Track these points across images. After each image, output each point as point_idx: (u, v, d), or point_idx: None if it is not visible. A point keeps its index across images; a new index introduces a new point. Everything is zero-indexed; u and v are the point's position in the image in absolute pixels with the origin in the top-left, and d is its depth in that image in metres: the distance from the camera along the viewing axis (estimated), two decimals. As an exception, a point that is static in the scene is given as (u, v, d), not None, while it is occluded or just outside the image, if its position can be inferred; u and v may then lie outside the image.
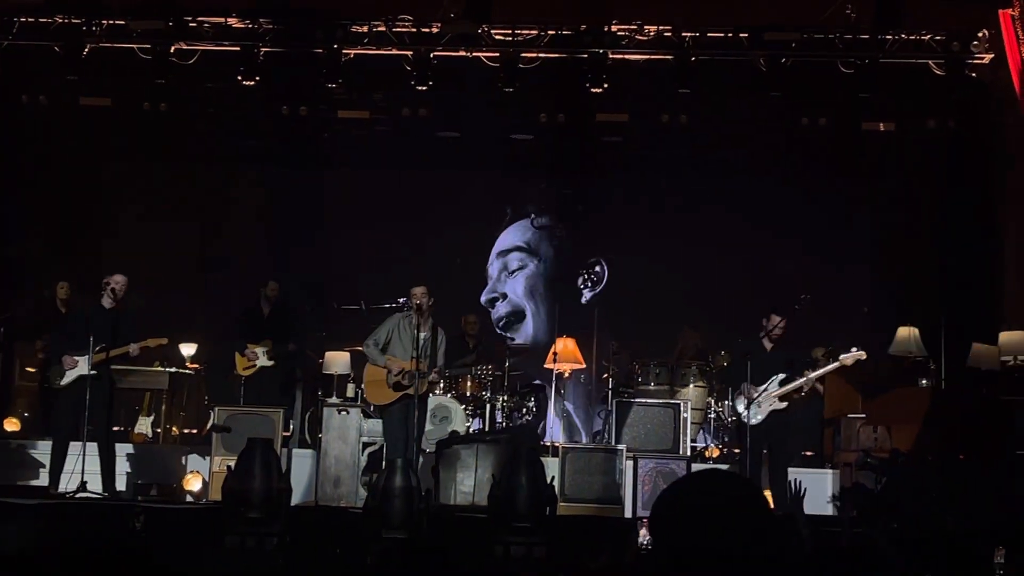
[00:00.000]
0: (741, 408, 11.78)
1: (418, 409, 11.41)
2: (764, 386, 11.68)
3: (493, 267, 16.87)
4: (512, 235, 16.94)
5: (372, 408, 12.12)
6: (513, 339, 15.70)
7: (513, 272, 16.82)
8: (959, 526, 9.31)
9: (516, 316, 16.50)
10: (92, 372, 11.38)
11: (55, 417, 11.75)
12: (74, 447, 11.42)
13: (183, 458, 12.83)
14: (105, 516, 9.89)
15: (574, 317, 15.11)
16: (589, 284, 15.90)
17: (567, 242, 16.84)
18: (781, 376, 11.75)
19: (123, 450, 12.32)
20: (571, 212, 16.72)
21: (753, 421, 11.66)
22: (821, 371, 12.04)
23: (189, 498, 12.05)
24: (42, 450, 12.65)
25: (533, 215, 16.91)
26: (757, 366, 11.71)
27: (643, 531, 7.19)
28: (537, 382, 14.14)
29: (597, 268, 16.43)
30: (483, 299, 16.57)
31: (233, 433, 11.80)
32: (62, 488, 11.33)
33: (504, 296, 16.76)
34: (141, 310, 12.76)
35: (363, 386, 11.95)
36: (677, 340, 14.98)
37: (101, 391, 11.47)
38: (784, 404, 11.76)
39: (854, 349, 11.87)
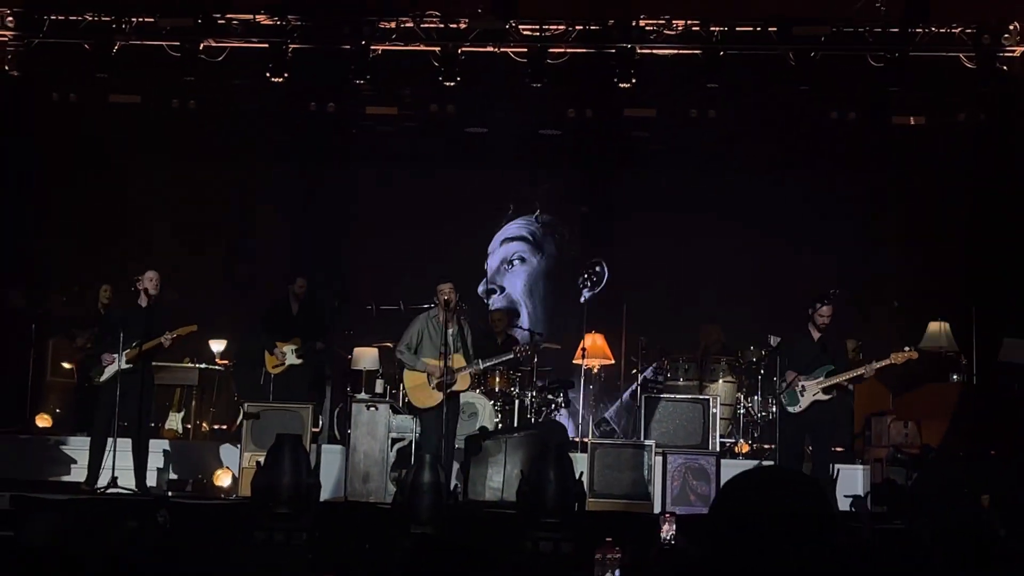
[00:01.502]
0: (784, 397, 11.49)
1: (451, 406, 11.43)
2: (811, 375, 11.35)
3: (493, 257, 16.84)
4: (515, 226, 16.93)
5: (402, 405, 12.13)
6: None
7: (512, 264, 16.82)
8: (993, 523, 9.25)
9: (512, 313, 16.43)
10: (127, 366, 11.46)
11: (95, 414, 11.84)
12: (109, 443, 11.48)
13: (219, 451, 12.89)
14: (134, 512, 9.91)
15: (573, 317, 15.07)
16: (588, 284, 15.81)
17: (573, 239, 16.83)
18: (830, 367, 11.39)
19: (154, 446, 12.35)
20: (597, 208, 16.69)
21: (793, 409, 11.37)
22: (874, 366, 11.40)
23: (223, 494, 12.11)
24: (73, 446, 12.74)
25: (538, 211, 16.89)
26: (804, 355, 11.42)
27: (666, 526, 7.17)
28: (541, 383, 14.05)
29: (597, 268, 16.35)
30: (480, 290, 16.52)
31: (263, 429, 11.83)
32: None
33: (502, 289, 16.76)
34: (174, 303, 12.83)
35: (405, 391, 11.88)
36: (700, 336, 14.95)
37: (136, 387, 11.54)
38: (828, 396, 11.38)
39: (907, 348, 11.43)
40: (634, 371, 14.31)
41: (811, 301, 11.57)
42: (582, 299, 14.14)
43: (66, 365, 14.47)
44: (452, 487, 9.73)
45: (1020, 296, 14.05)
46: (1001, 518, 9.21)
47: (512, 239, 16.92)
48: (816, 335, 11.53)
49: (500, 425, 13.10)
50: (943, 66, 14.10)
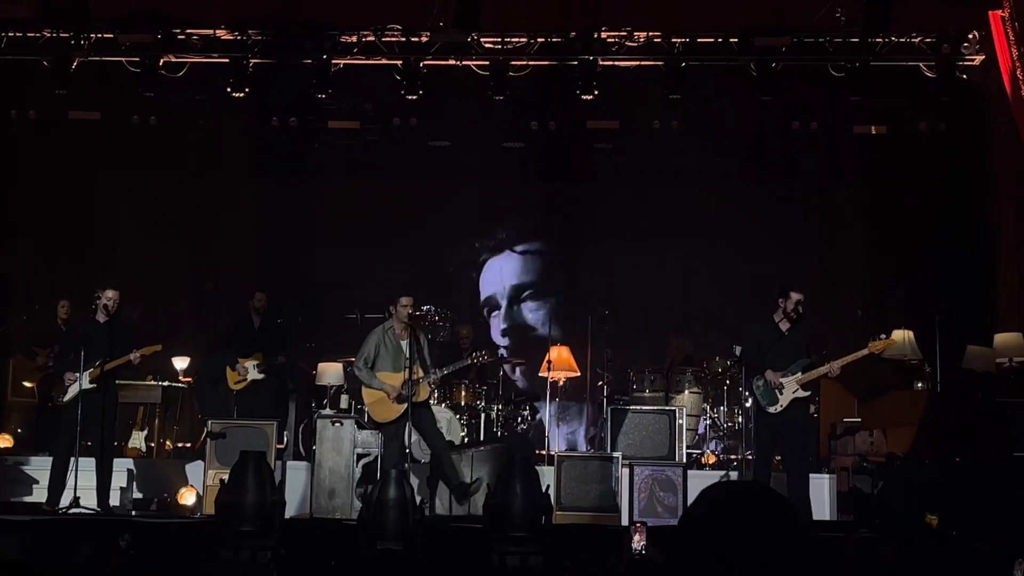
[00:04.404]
0: (760, 396, 11.00)
1: (420, 416, 11.39)
2: (786, 372, 10.93)
3: (504, 299, 16.85)
4: (512, 270, 16.93)
5: (367, 420, 12.07)
6: (507, 348, 15.63)
7: (524, 301, 16.82)
8: (960, 531, 9.27)
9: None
10: (91, 386, 11.37)
11: (59, 433, 11.73)
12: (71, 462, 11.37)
13: (183, 469, 12.77)
14: (97, 532, 9.82)
15: (568, 325, 15.04)
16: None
17: (556, 256, 16.80)
18: (805, 361, 10.99)
19: (117, 465, 12.22)
20: (560, 220, 16.67)
21: (773, 409, 10.92)
22: (850, 358, 11.07)
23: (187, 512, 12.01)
24: (35, 466, 12.60)
25: (513, 247, 16.86)
26: (776, 350, 11.00)
27: (637, 536, 7.15)
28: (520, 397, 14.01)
29: None
30: (503, 327, 16.53)
31: (227, 447, 11.75)
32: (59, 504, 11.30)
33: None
34: (135, 321, 12.73)
35: (366, 408, 11.88)
36: (667, 346, 14.94)
37: (99, 405, 11.44)
38: (807, 392, 10.96)
39: (883, 336, 11.14)
40: (600, 383, 14.29)
41: (780, 290, 11.10)
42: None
43: (27, 384, 14.31)
44: (420, 501, 9.67)
45: (982, 303, 14.13)
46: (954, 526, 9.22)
47: (521, 287, 16.86)
48: (786, 327, 11.07)
49: (466, 439, 13.06)
50: (904, 76, 14.19)
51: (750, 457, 12.09)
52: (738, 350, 12.44)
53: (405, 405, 11.36)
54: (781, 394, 10.95)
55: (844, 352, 11.26)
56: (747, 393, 12.16)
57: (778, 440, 11.15)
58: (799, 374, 10.97)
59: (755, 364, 11.19)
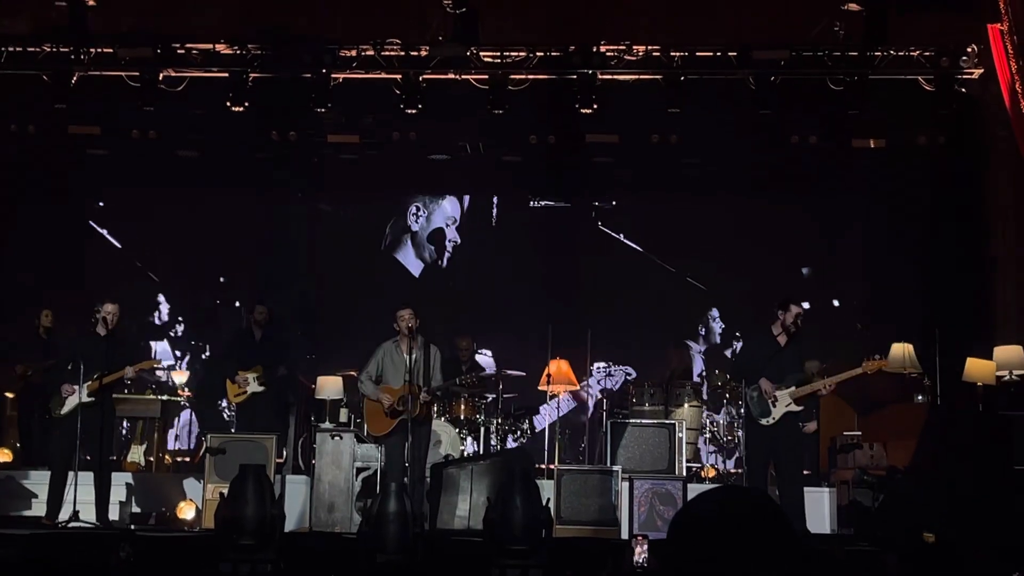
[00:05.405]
0: (753, 407, 10.93)
1: (416, 434, 11.34)
2: (782, 384, 10.85)
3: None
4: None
5: (366, 434, 12.05)
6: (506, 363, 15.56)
7: None
8: (961, 543, 9.25)
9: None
10: (89, 399, 11.35)
11: (56, 446, 11.69)
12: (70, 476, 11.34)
13: (182, 483, 12.76)
14: (96, 546, 9.79)
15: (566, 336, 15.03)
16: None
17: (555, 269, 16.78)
18: (799, 376, 10.93)
19: (116, 479, 12.21)
20: (559, 234, 16.66)
21: (765, 422, 10.87)
22: (843, 376, 11.01)
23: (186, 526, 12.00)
24: (34, 480, 12.57)
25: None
26: (772, 362, 10.96)
27: (638, 549, 7.13)
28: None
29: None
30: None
31: (226, 460, 11.73)
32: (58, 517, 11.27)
33: None
34: (132, 335, 12.72)
35: (364, 420, 11.88)
36: (666, 360, 14.94)
37: (98, 419, 11.41)
38: (800, 408, 10.89)
39: (877, 356, 11.05)
40: (600, 396, 14.28)
41: (780, 302, 11.08)
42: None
43: (9, 395, 14.22)
44: (420, 514, 9.66)
45: (982, 316, 14.12)
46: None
47: None
48: (783, 340, 11.05)
49: (465, 452, 13.04)
50: (903, 89, 14.20)
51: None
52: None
53: (397, 420, 11.35)
54: (775, 407, 10.89)
55: (840, 367, 11.25)
56: (725, 401, 12.21)
57: (770, 453, 11.12)
58: (793, 388, 10.93)
59: (748, 374, 11.15)
